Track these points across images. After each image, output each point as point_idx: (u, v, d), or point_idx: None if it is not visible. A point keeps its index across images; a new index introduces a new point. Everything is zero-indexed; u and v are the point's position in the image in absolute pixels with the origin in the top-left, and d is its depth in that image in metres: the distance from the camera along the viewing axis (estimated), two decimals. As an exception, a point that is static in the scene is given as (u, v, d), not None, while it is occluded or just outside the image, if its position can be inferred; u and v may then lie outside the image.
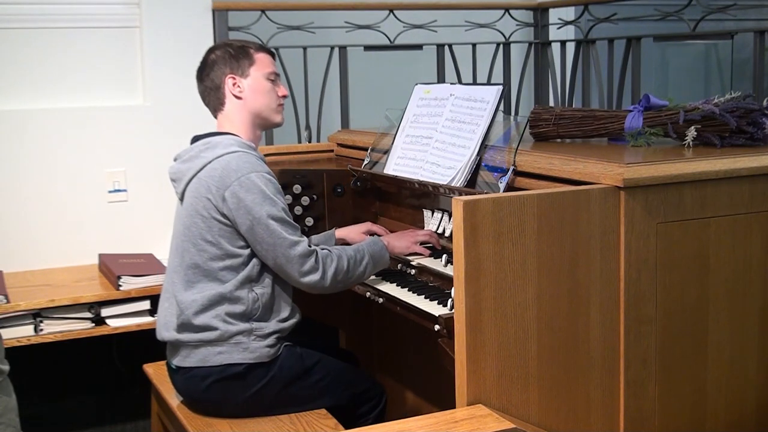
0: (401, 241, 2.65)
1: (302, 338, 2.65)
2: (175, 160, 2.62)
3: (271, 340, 2.48)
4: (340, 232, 2.86)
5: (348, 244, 2.76)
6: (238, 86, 2.57)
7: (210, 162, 2.47)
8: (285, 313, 2.54)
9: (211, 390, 2.48)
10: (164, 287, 2.60)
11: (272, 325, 2.50)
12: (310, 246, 2.47)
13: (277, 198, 2.45)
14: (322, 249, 2.50)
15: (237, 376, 2.46)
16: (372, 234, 2.80)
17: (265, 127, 2.69)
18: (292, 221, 2.47)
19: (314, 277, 2.45)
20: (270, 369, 2.49)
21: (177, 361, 2.52)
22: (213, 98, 2.61)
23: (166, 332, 2.53)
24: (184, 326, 2.47)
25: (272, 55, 2.66)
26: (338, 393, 2.60)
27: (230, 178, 2.42)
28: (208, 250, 2.46)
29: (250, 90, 2.57)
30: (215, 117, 2.64)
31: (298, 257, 2.43)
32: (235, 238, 2.46)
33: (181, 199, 2.56)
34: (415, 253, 2.64)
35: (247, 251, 2.47)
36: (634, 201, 2.11)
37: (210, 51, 2.63)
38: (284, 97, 2.65)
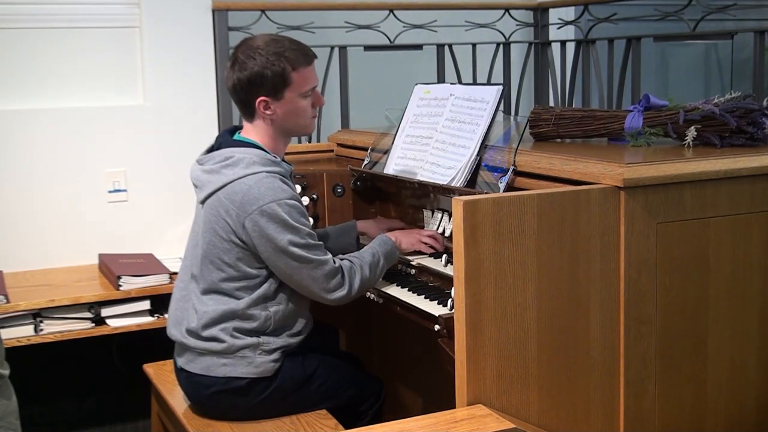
0: (408, 237, 2.65)
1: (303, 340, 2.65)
2: (197, 162, 2.53)
3: (276, 354, 2.47)
4: (361, 225, 2.85)
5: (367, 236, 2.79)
6: (270, 109, 2.44)
7: (231, 182, 2.38)
8: (297, 328, 2.52)
9: (214, 399, 2.47)
10: (180, 286, 2.56)
11: (281, 340, 2.48)
12: (335, 263, 2.44)
13: (300, 224, 2.37)
14: (343, 260, 2.48)
15: (239, 390, 2.45)
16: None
17: (295, 136, 2.65)
18: (317, 241, 2.42)
19: (341, 292, 2.44)
20: (273, 381, 2.48)
21: (182, 363, 2.52)
22: (241, 107, 2.49)
23: (175, 330, 2.52)
24: (191, 332, 2.46)
25: (313, 60, 2.48)
26: (339, 395, 2.60)
27: (251, 206, 2.34)
28: (225, 270, 2.43)
29: (283, 112, 2.45)
30: (242, 118, 2.54)
31: (324, 277, 2.40)
32: (253, 260, 2.42)
33: (202, 203, 2.49)
34: (420, 252, 2.64)
35: (264, 272, 2.43)
36: (634, 201, 2.11)
37: (247, 52, 2.42)
38: (320, 106, 2.55)
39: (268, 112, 2.45)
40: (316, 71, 2.52)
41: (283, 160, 2.53)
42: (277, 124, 2.48)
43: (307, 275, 2.40)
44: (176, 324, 2.52)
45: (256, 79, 2.41)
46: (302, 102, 2.47)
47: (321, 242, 2.45)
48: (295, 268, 2.39)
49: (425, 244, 2.65)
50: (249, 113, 2.49)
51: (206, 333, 2.43)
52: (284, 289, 2.47)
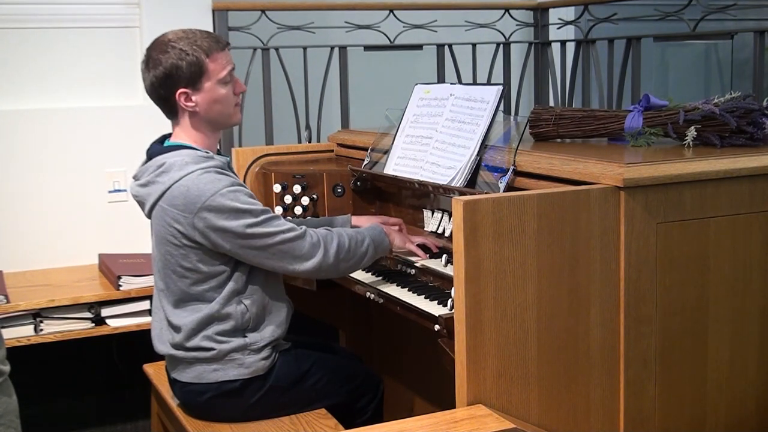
0: (400, 235, 2.63)
1: (301, 338, 2.65)
2: (134, 178, 2.50)
3: (265, 352, 2.46)
4: (356, 221, 2.82)
5: None
6: (192, 101, 2.39)
7: (168, 189, 2.34)
8: (279, 318, 2.49)
9: (209, 404, 2.46)
10: (154, 301, 2.55)
11: (267, 336, 2.46)
12: (301, 228, 2.39)
13: (251, 204, 2.33)
14: (320, 230, 2.45)
15: (234, 392, 2.44)
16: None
17: (223, 128, 2.57)
18: (272, 213, 2.37)
19: (317, 258, 2.38)
20: (266, 380, 2.47)
21: (174, 374, 2.51)
22: (163, 106, 2.44)
23: (161, 345, 2.50)
24: (176, 345, 2.45)
25: (226, 46, 2.44)
26: (335, 391, 2.59)
27: (195, 205, 2.30)
28: (189, 276, 2.40)
29: (204, 102, 2.40)
30: (169, 120, 2.49)
31: (294, 245, 2.36)
32: (213, 258, 2.38)
33: (149, 217, 2.47)
34: (412, 253, 2.62)
35: (228, 267, 2.40)
36: (634, 201, 2.11)
37: (159, 48, 2.37)
38: (242, 93, 2.50)
39: (189, 104, 2.40)
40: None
41: (219, 153, 2.50)
42: (201, 116, 2.42)
43: (277, 251, 2.35)
44: (159, 339, 2.51)
45: (172, 71, 2.36)
46: (222, 90, 2.42)
47: (278, 214, 2.41)
48: (262, 248, 2.34)
49: (419, 247, 2.62)
50: (172, 112, 2.45)
51: (191, 344, 2.42)
52: (254, 280, 2.44)
